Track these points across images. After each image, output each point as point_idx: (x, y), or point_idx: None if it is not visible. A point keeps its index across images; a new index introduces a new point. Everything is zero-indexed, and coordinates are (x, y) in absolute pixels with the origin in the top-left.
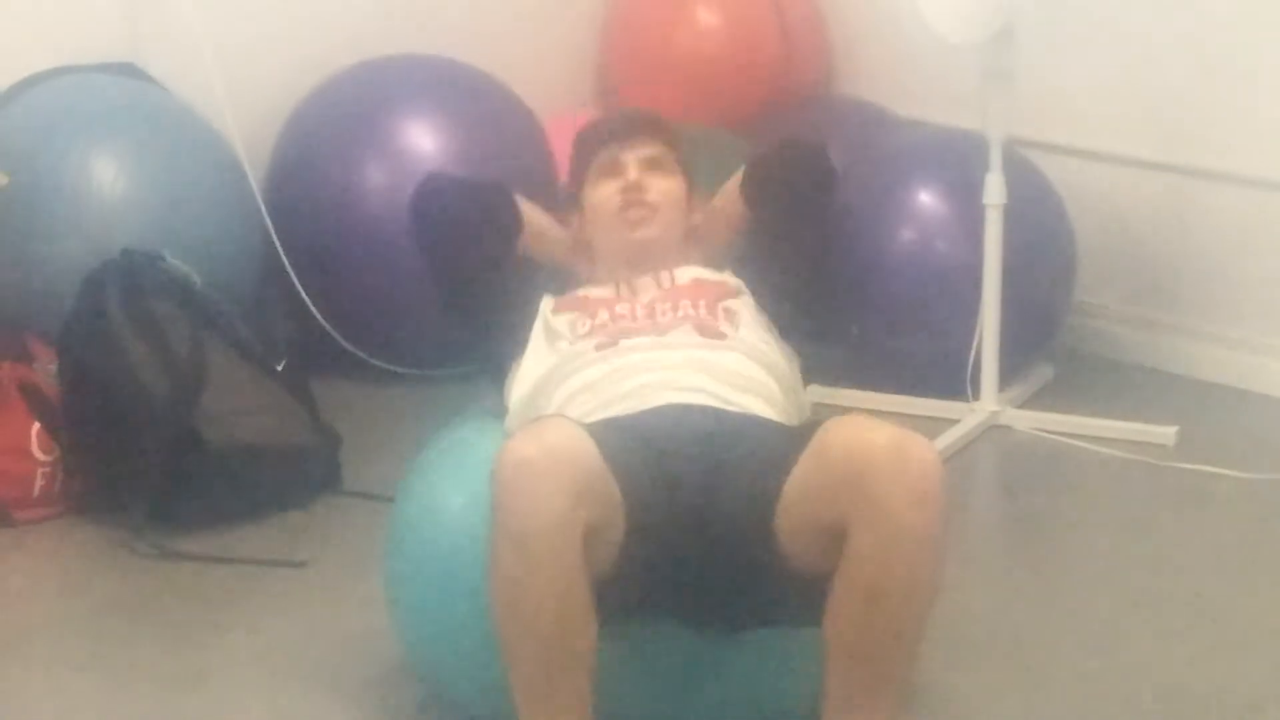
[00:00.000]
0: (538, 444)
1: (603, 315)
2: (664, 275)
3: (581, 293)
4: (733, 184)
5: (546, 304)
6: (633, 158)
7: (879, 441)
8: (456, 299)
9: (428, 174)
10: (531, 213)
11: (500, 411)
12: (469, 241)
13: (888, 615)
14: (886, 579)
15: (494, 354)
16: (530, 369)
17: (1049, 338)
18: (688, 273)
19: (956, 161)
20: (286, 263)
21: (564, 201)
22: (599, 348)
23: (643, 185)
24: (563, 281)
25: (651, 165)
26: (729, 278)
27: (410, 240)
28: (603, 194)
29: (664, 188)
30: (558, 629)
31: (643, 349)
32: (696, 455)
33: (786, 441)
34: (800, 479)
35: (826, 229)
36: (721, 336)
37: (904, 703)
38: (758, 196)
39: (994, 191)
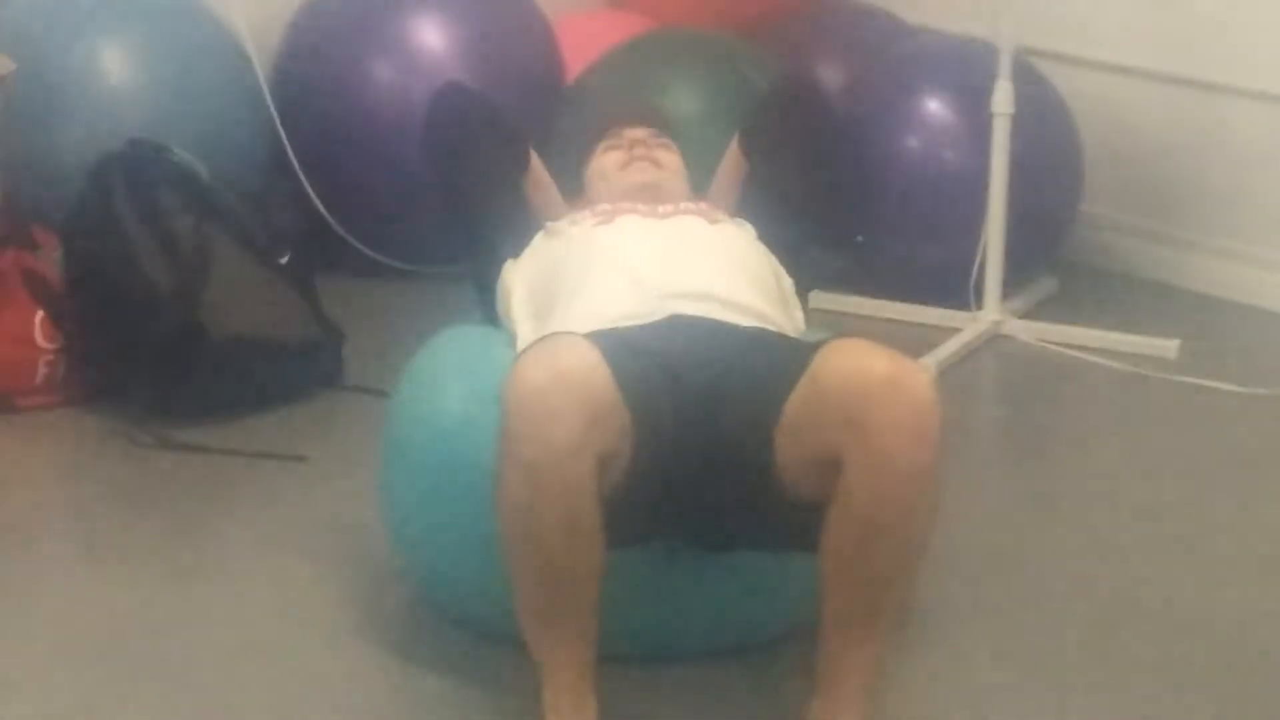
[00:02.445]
0: (551, 370)
1: (602, 206)
2: (666, 206)
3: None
4: (732, 148)
5: (546, 227)
6: (636, 135)
7: (875, 374)
8: (454, 207)
9: (450, 81)
10: (539, 167)
11: (485, 320)
12: (476, 157)
13: (883, 549)
14: (881, 515)
15: (478, 258)
16: (529, 257)
17: (1053, 249)
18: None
19: (965, 69)
20: (292, 156)
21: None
22: (596, 225)
23: (648, 145)
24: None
25: (654, 141)
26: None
27: (413, 129)
28: (606, 159)
29: (668, 156)
30: (566, 556)
31: (640, 229)
32: (700, 377)
33: (788, 363)
34: (797, 406)
35: (829, 169)
36: (719, 222)
37: (899, 621)
38: (757, 152)
39: (1002, 100)
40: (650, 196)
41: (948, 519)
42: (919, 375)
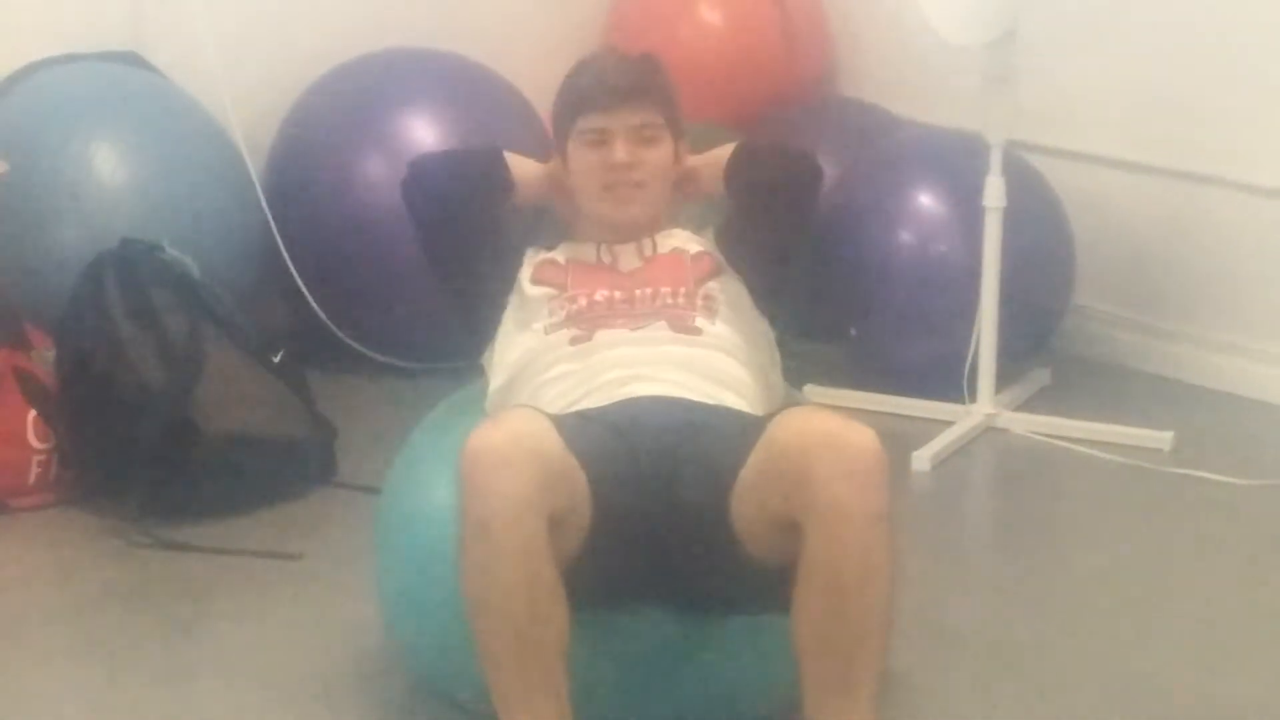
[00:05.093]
0: (500, 432)
1: (580, 301)
2: (646, 243)
3: (562, 258)
4: (719, 157)
5: (528, 264)
6: (620, 128)
7: (818, 432)
8: (452, 273)
9: (415, 156)
10: (519, 165)
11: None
12: (462, 209)
13: (849, 604)
14: (841, 567)
15: (481, 328)
16: (505, 356)
17: (1046, 341)
18: (669, 240)
19: (956, 164)
20: (285, 254)
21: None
22: (575, 341)
23: (629, 164)
24: (546, 230)
25: (639, 137)
26: (710, 249)
27: (406, 224)
28: (588, 164)
29: (651, 161)
30: (528, 616)
31: (618, 344)
32: (661, 443)
33: (744, 433)
34: (751, 472)
35: (803, 232)
36: (696, 332)
37: (881, 696)
38: (739, 185)
39: (994, 194)
40: (629, 232)
41: (943, 610)
42: (861, 429)
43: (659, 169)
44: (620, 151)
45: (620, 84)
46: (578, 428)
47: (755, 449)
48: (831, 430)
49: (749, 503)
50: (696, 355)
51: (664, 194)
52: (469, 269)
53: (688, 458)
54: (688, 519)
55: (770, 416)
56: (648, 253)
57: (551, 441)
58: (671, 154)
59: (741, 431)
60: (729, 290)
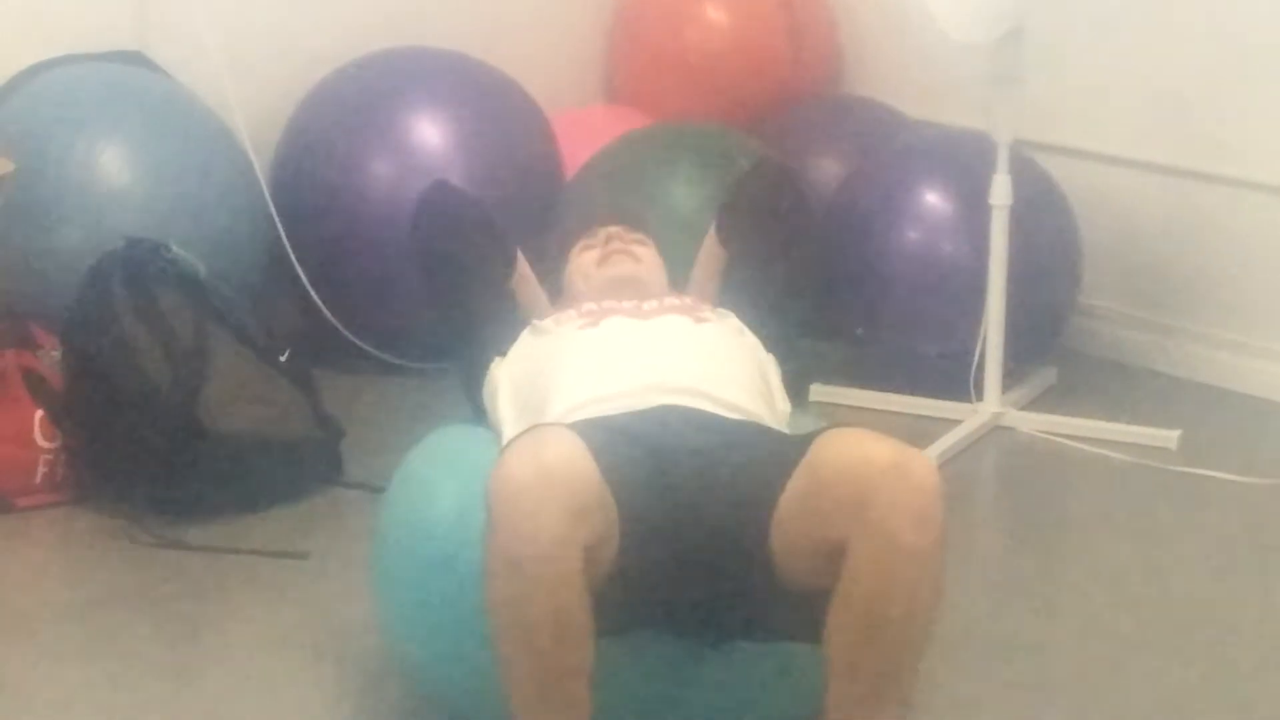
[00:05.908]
0: (535, 465)
1: (588, 305)
2: (647, 302)
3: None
4: (708, 239)
5: (532, 325)
6: (611, 229)
7: (878, 459)
8: (442, 307)
9: (437, 181)
10: (526, 268)
11: (476, 418)
12: (464, 257)
13: (888, 636)
14: (887, 601)
15: (465, 356)
16: (516, 356)
17: (1053, 340)
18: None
19: (963, 162)
20: (291, 254)
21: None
22: (582, 328)
23: (624, 239)
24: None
25: (633, 237)
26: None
27: (408, 238)
28: (584, 258)
29: (644, 251)
30: (555, 647)
31: (626, 330)
32: (690, 465)
33: (781, 453)
34: (795, 496)
35: (806, 251)
36: (704, 320)
37: (905, 714)
38: (734, 240)
39: (1000, 192)
40: (631, 290)
41: (949, 610)
42: (922, 460)
43: (652, 257)
44: (613, 231)
45: (616, 210)
46: (606, 446)
47: (799, 472)
48: (893, 459)
49: (791, 525)
50: (707, 341)
51: (659, 280)
52: (462, 304)
53: (720, 479)
54: (721, 542)
55: (810, 436)
56: (651, 307)
57: (586, 473)
58: (662, 266)
59: (778, 450)
60: (729, 315)
